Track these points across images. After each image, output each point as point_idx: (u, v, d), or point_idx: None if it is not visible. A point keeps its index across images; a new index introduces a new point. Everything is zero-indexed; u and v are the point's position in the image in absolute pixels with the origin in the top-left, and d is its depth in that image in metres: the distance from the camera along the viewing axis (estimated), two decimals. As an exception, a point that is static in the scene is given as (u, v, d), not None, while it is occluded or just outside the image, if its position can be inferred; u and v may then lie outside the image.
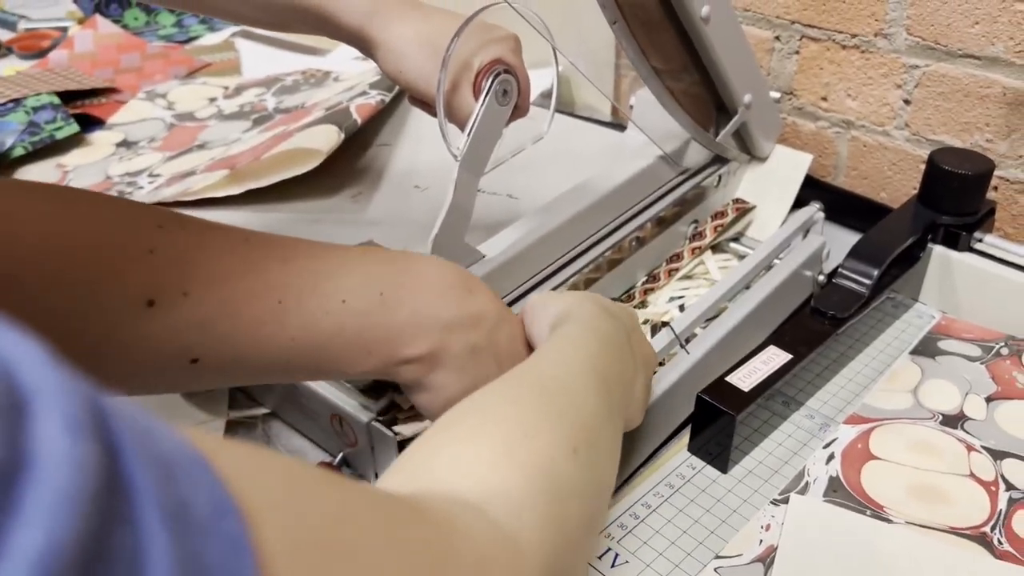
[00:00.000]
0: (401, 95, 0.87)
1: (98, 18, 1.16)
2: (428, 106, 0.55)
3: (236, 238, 0.36)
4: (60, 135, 0.89)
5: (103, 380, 0.34)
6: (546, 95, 0.63)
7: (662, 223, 0.66)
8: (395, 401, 0.48)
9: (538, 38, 0.53)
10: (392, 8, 0.54)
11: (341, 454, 0.50)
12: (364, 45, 0.56)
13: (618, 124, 0.88)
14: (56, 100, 0.94)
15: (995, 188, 0.68)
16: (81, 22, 1.21)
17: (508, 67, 0.52)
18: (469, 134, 0.51)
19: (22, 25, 1.23)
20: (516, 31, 0.54)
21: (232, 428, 0.55)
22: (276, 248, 0.37)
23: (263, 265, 0.36)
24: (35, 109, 0.92)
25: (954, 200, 0.58)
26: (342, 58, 1.09)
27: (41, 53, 1.12)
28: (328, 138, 0.74)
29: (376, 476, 0.50)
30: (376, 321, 0.38)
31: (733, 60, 0.61)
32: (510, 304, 0.55)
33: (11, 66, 1.10)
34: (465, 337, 0.41)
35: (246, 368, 0.37)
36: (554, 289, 0.57)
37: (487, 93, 0.50)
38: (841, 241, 0.63)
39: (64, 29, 1.20)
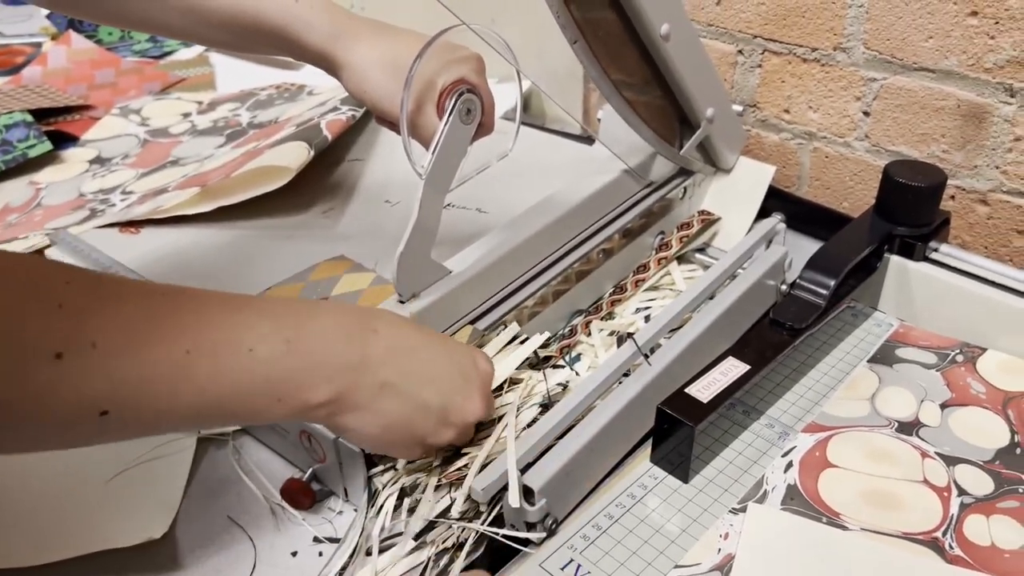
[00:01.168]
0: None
1: (72, 34, 1.16)
2: (394, 125, 0.56)
3: (144, 291, 0.36)
4: (33, 153, 0.89)
5: (14, 438, 0.33)
6: (515, 110, 0.64)
7: (629, 235, 0.67)
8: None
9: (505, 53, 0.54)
10: (356, 29, 0.55)
11: (311, 469, 0.51)
12: (329, 66, 0.57)
13: (587, 137, 0.89)
14: (29, 118, 0.94)
15: (952, 197, 0.69)
16: (55, 38, 1.21)
17: (471, 87, 0.53)
18: (433, 153, 0.52)
19: (-5, 41, 1.23)
20: (481, 51, 0.55)
21: (203, 445, 0.55)
22: (185, 300, 0.37)
23: (172, 318, 0.36)
24: (7, 127, 0.92)
25: (909, 211, 0.59)
26: (316, 71, 1.09)
27: (14, 69, 1.12)
28: (297, 155, 0.74)
29: (345, 492, 0.51)
30: (283, 367, 0.39)
31: (694, 76, 0.63)
32: (477, 319, 0.56)
33: (-16, 83, 1.10)
34: (372, 377, 0.42)
35: (156, 420, 0.37)
36: (519, 307, 0.58)
37: (451, 112, 0.52)
38: (806, 250, 0.64)
39: (38, 45, 1.20)
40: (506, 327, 0.57)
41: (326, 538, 0.49)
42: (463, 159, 0.54)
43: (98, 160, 0.92)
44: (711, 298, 0.60)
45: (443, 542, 0.46)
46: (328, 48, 0.55)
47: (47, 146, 0.90)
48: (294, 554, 0.48)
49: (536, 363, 0.56)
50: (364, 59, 0.55)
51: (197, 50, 1.20)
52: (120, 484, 0.52)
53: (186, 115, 1.01)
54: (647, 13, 0.56)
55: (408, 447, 0.45)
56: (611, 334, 0.62)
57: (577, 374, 0.56)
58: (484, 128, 0.55)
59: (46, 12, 1.26)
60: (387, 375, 0.42)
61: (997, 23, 0.62)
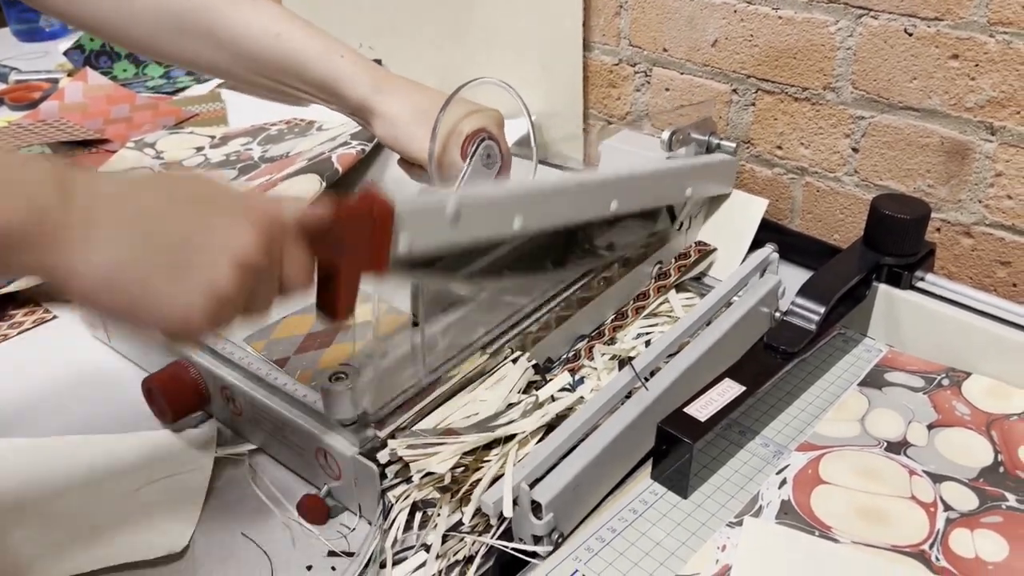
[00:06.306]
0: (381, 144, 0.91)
1: (88, 70, 1.20)
2: (413, 169, 0.61)
3: None
4: (52, 184, 0.92)
5: None
6: (521, 143, 0.69)
7: (628, 264, 0.70)
8: (378, 436, 0.51)
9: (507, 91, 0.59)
10: (392, 83, 0.61)
11: (326, 486, 0.53)
12: (365, 116, 0.62)
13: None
14: (47, 151, 0.97)
15: (937, 230, 0.72)
16: (71, 74, 1.25)
17: (491, 135, 0.58)
18: (458, 189, 0.57)
19: (13, 77, 1.27)
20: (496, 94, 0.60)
21: (220, 464, 0.58)
22: None
23: None
24: (28, 159, 0.95)
25: (895, 242, 0.62)
26: (324, 108, 1.13)
27: (32, 104, 1.16)
28: (310, 187, 0.77)
29: (359, 507, 0.53)
30: None
31: (659, 196, 0.68)
32: (486, 346, 0.59)
33: (2, 117, 1.13)
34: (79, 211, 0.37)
35: None
36: (524, 332, 0.61)
37: (473, 154, 0.58)
38: (799, 280, 0.67)
39: (55, 81, 1.24)
40: (512, 352, 0.59)
41: (341, 552, 0.51)
42: None
43: (114, 192, 0.95)
44: (708, 324, 0.63)
45: (454, 555, 0.48)
46: (368, 100, 0.61)
47: (66, 178, 0.93)
48: (309, 568, 0.50)
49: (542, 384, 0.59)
50: (398, 110, 0.61)
51: (209, 86, 1.23)
52: (140, 500, 0.55)
53: (199, 149, 1.05)
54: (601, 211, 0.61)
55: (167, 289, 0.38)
56: (612, 358, 0.64)
57: (581, 397, 0.59)
58: (500, 178, 0.61)
59: (63, 49, 1.30)
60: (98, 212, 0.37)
61: (977, 65, 0.65)
